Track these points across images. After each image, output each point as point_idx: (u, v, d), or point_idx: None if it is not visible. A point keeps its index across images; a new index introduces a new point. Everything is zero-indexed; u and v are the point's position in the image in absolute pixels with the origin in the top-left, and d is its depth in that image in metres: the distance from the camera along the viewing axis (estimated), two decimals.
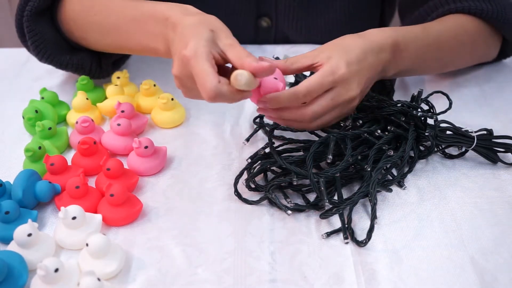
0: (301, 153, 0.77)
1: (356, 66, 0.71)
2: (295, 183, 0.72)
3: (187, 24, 0.69)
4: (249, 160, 0.77)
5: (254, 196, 0.74)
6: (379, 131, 0.75)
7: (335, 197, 0.72)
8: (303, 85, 0.69)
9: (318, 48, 0.74)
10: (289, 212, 0.70)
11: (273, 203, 0.72)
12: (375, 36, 0.75)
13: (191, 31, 0.67)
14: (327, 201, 0.68)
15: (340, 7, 1.07)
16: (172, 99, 0.87)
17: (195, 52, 0.64)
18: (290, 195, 0.74)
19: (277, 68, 0.70)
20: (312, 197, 0.73)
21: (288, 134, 0.82)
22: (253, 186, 0.74)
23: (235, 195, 0.74)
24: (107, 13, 0.83)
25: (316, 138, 0.77)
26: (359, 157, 0.74)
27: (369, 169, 0.72)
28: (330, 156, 0.71)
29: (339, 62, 0.70)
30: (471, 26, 0.89)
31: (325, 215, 0.70)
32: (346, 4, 1.07)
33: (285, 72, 0.73)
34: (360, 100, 0.75)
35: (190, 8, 0.73)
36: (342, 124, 0.78)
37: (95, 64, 0.93)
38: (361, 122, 0.76)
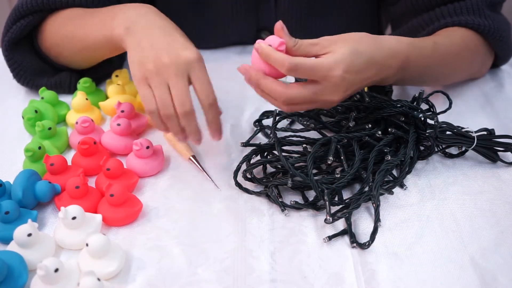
0: (300, 148, 0.77)
1: (353, 75, 0.68)
2: (290, 186, 0.72)
3: None
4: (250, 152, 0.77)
5: (253, 187, 0.75)
6: (379, 132, 0.75)
7: (336, 198, 0.72)
8: (296, 60, 0.66)
9: (331, 38, 0.69)
10: (286, 212, 0.71)
11: (272, 200, 0.73)
12: (392, 44, 0.73)
13: None
14: (331, 220, 0.68)
15: (338, 21, 1.07)
16: None
17: None
18: (288, 193, 0.74)
19: (283, 42, 0.68)
20: (310, 195, 0.74)
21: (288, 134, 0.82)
22: (249, 176, 0.75)
23: (235, 185, 0.75)
24: (77, 28, 0.87)
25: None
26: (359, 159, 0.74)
27: (368, 175, 0.72)
28: (331, 158, 0.71)
29: (340, 64, 0.67)
30: (471, 41, 0.88)
31: (329, 221, 0.69)
32: (343, 18, 1.07)
33: (289, 51, 0.69)
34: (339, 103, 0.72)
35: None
36: (343, 124, 0.78)
37: (75, 81, 0.94)
38: (370, 125, 0.76)
